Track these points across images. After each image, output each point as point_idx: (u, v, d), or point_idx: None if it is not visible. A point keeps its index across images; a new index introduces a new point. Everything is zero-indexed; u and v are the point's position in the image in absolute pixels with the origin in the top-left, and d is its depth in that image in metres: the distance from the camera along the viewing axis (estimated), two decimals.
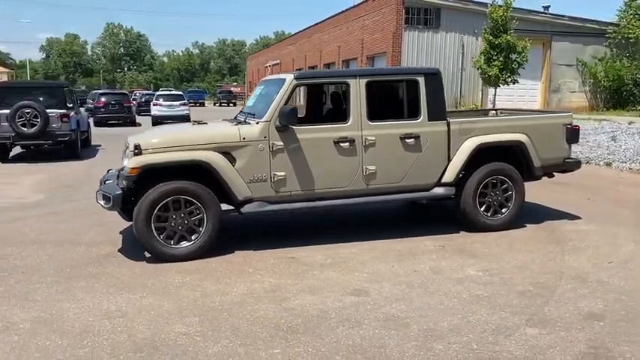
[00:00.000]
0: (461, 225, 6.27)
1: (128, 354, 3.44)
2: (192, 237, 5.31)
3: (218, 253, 5.41)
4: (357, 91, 5.72)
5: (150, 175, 5.24)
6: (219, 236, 5.46)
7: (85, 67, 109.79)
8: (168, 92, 29.34)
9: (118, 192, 5.18)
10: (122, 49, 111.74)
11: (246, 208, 5.45)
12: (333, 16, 29.55)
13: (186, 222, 5.28)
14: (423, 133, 5.91)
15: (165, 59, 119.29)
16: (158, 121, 22.84)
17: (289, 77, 5.66)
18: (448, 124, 6.02)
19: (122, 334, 3.72)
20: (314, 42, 32.51)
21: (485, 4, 20.50)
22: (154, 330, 3.78)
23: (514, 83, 18.65)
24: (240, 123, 5.78)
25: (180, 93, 28.60)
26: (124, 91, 29.05)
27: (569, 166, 6.59)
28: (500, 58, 18.04)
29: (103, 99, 25.37)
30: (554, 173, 6.78)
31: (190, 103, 47.77)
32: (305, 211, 5.89)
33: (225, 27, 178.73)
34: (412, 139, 5.87)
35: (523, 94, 23.39)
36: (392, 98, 6.27)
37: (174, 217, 5.24)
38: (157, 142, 5.38)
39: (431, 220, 6.98)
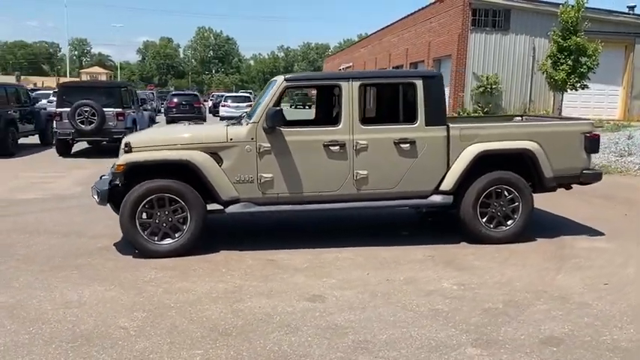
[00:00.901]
0: (463, 236, 5.98)
1: (61, 343, 3.57)
2: (176, 234, 5.43)
3: (203, 252, 5.50)
4: (350, 94, 5.61)
5: (138, 172, 5.42)
6: (211, 235, 5.55)
7: (176, 69, 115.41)
8: (236, 94, 30.24)
9: (105, 188, 5.40)
10: (212, 52, 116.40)
11: (231, 209, 5.50)
12: (402, 19, 29.17)
13: (170, 219, 5.41)
14: (420, 139, 5.70)
15: (252, 62, 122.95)
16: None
17: (280, 79, 5.66)
18: (448, 130, 5.77)
19: (68, 324, 3.87)
20: (384, 44, 32.26)
21: (558, 5, 19.46)
22: (99, 322, 3.90)
23: (583, 89, 17.55)
24: (233, 124, 5.84)
25: (247, 95, 29.38)
26: (195, 93, 30.21)
27: (587, 177, 6.10)
28: (569, 62, 17.03)
29: (175, 99, 26.59)
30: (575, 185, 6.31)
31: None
32: (297, 214, 5.84)
33: (310, 30, 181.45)
34: (407, 145, 5.68)
35: (601, 100, 22.03)
36: (388, 102, 6.11)
37: (158, 214, 5.39)
38: (145, 140, 5.55)
39: (437, 229, 6.70)
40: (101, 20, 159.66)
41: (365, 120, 5.78)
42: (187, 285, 4.66)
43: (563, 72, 17.06)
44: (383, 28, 32.98)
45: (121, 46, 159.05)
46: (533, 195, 6.07)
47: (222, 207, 5.60)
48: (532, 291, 4.55)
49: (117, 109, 13.49)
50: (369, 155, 5.63)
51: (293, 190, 5.61)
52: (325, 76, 5.95)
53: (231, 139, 5.49)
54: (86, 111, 13.10)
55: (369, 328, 3.82)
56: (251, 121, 5.55)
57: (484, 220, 5.87)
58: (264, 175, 5.52)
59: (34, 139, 16.29)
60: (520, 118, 7.56)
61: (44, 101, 21.81)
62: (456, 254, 5.55)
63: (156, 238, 5.41)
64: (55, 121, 13.58)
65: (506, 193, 5.89)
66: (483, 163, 5.82)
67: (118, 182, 5.49)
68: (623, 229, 6.64)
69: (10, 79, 62.36)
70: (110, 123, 13.35)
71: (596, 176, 6.14)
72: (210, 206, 5.62)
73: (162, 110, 29.45)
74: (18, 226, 6.63)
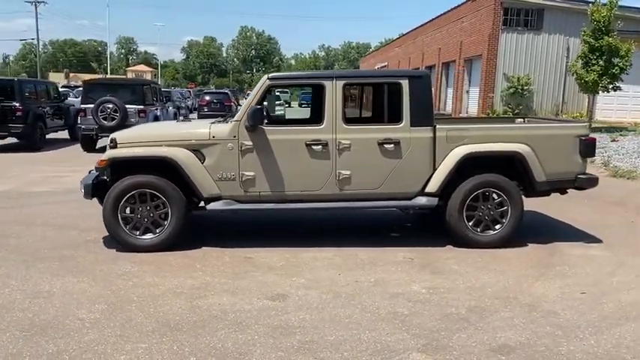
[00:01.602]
0: (450, 239, 5.86)
1: (15, 332, 3.67)
2: (157, 230, 5.52)
3: (185, 247, 5.57)
4: (333, 93, 5.57)
5: (124, 168, 5.53)
6: (197, 231, 5.61)
7: (219, 67, 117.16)
8: None
9: (89, 182, 5.52)
10: (253, 52, 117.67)
11: (212, 206, 5.55)
12: (435, 18, 28.79)
13: (151, 215, 5.49)
14: (404, 139, 5.62)
15: (293, 62, 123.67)
16: None
17: (264, 78, 5.67)
18: (434, 131, 5.66)
19: (29, 313, 3.98)
20: (418, 44, 31.91)
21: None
22: (59, 313, 4.00)
23: (615, 90, 16.91)
24: (218, 122, 5.89)
25: (277, 95, 29.48)
26: (226, 91, 30.59)
27: (582, 182, 5.87)
28: (600, 63, 16.45)
29: (206, 97, 27.04)
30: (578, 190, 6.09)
31: (303, 103, 49.44)
32: (282, 213, 5.83)
33: (351, 30, 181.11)
34: (391, 145, 5.60)
35: (638, 102, 21.18)
36: (373, 102, 6.04)
37: (140, 209, 5.48)
38: (131, 137, 5.66)
39: (426, 231, 6.57)
40: (147, 20, 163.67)
41: (349, 120, 5.73)
42: (157, 280, 4.72)
43: (595, 73, 16.48)
44: (416, 28, 32.63)
45: (166, 45, 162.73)
46: (526, 199, 5.92)
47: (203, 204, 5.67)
48: (502, 297, 4.42)
49: (139, 106, 13.81)
50: (352, 155, 5.59)
51: (275, 189, 5.61)
52: (309, 75, 5.91)
53: (213, 137, 5.53)
54: (109, 107, 13.46)
55: (319, 328, 3.79)
56: (234, 120, 5.59)
57: (470, 223, 5.74)
58: (246, 173, 5.54)
59: (64, 134, 16.85)
60: (522, 120, 7.35)
61: (72, 97, 22.43)
62: (437, 258, 5.45)
63: (137, 233, 5.50)
64: (79, 117, 14.00)
65: (494, 196, 5.75)
66: (473, 165, 5.70)
67: (105, 177, 5.62)
68: (623, 236, 6.39)
69: (60, 77, 65.03)
70: (132, 119, 13.64)
71: (592, 181, 5.91)
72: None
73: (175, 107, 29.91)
74: (19, 218, 6.87)
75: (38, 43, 58.91)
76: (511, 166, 5.79)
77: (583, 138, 5.82)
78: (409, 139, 5.62)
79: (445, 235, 5.91)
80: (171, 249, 5.50)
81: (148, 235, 5.51)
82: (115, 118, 13.46)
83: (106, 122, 13.45)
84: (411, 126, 5.63)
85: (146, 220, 5.49)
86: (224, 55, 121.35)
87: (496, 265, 5.24)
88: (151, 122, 13.90)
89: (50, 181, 9.62)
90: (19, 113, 13.54)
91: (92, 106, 13.48)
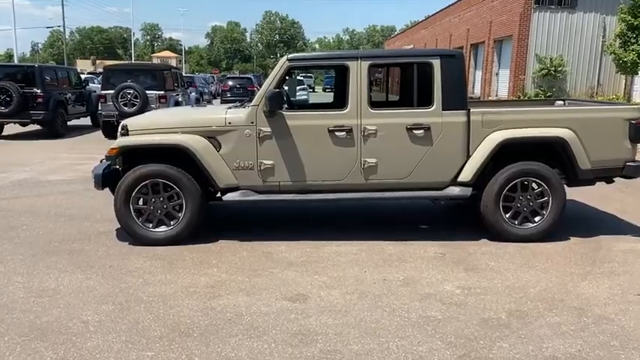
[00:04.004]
0: (484, 232, 5.43)
1: (14, 337, 3.39)
2: (172, 222, 5.20)
3: (201, 240, 5.26)
4: (358, 74, 5.15)
5: (136, 156, 5.23)
6: (214, 222, 5.30)
7: (243, 53, 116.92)
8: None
9: (99, 172, 5.22)
10: (277, 36, 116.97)
11: (228, 197, 5.21)
12: None
13: (165, 206, 5.18)
14: (435, 124, 5.17)
15: (317, 46, 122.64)
16: None
17: (283, 59, 5.28)
18: (468, 115, 5.21)
19: (31, 315, 3.70)
20: (445, 25, 31.02)
21: None
22: (63, 314, 3.71)
23: None
24: (235, 107, 5.53)
25: (300, 79, 29.02)
26: (249, 76, 30.23)
27: (631, 171, 5.36)
28: None
29: (229, 83, 26.80)
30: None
31: (327, 88, 48.94)
32: (302, 204, 5.44)
33: (376, 12, 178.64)
34: (421, 131, 5.17)
35: None
36: (400, 84, 5.59)
37: (153, 200, 5.17)
38: (143, 124, 5.33)
39: (457, 223, 6.13)
40: (172, 6, 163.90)
41: (375, 104, 5.30)
42: (169, 277, 4.41)
43: (634, 53, 15.61)
44: (444, 8, 31.68)
45: (191, 31, 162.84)
46: (568, 188, 5.44)
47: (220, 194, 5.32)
48: (546, 300, 3.99)
49: (159, 92, 13.54)
50: (379, 142, 5.17)
51: (296, 179, 5.24)
52: (332, 55, 5.50)
53: (229, 123, 5.17)
54: (129, 93, 13.21)
55: (343, 335, 3.43)
56: (251, 105, 5.22)
57: (507, 215, 5.29)
58: (265, 161, 5.18)
59: (87, 121, 16.73)
60: (562, 102, 6.81)
61: (97, 84, 22.31)
62: (471, 253, 5.02)
63: (151, 225, 5.20)
64: (100, 103, 13.81)
65: (534, 186, 5.28)
66: (510, 152, 5.24)
67: (117, 166, 5.34)
68: None
69: (87, 64, 65.46)
70: (152, 105, 13.37)
71: None
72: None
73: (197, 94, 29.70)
74: (33, 208, 6.64)
75: (64, 30, 59.24)
76: (552, 152, 5.31)
77: (634, 122, 5.29)
78: (441, 124, 5.18)
79: (479, 227, 5.48)
80: (185, 242, 5.19)
81: (162, 228, 5.21)
82: (136, 104, 13.19)
83: (126, 108, 13.18)
84: (442, 110, 5.18)
85: (159, 212, 5.18)
86: (248, 40, 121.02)
87: (537, 261, 4.80)
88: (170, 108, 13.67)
89: (68, 169, 9.41)
90: (40, 100, 13.39)
91: (112, 92, 13.24)
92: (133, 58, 70.68)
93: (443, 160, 5.24)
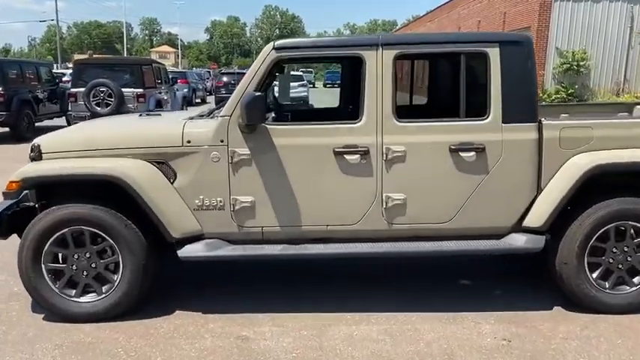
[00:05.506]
0: (565, 298, 3.76)
1: None
2: (104, 289, 3.53)
3: (148, 311, 3.60)
4: (378, 70, 3.48)
5: (49, 190, 3.57)
6: (172, 278, 3.64)
7: (243, 47, 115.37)
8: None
9: (5, 213, 3.53)
10: (277, 31, 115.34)
11: (186, 251, 3.52)
12: None
13: (93, 265, 3.51)
14: (492, 144, 3.50)
15: None
16: None
17: (267, 47, 3.59)
18: (540, 129, 3.53)
19: None
20: (453, 18, 29.24)
21: None
22: None
23: None
24: (199, 117, 3.86)
25: (299, 74, 27.23)
26: (245, 72, 28.40)
27: None
28: None
29: (224, 79, 25.04)
30: None
31: (328, 84, 47.25)
32: (286, 259, 3.74)
33: (377, 6, 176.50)
34: (472, 153, 3.50)
35: None
36: (441, 84, 3.91)
37: (75, 257, 3.50)
38: (61, 143, 3.64)
39: (518, 271, 4.45)
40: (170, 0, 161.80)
41: (402, 112, 3.61)
42: None
43: None
44: (451, 0, 29.93)
45: (190, 25, 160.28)
46: None
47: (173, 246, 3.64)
48: None
49: (137, 90, 11.87)
50: (409, 169, 3.51)
51: (286, 223, 3.57)
52: (339, 42, 3.77)
53: (188, 142, 3.50)
54: (102, 91, 11.53)
55: None
56: (220, 115, 3.54)
57: (595, 275, 3.62)
58: (241, 198, 3.51)
59: (63, 122, 15.03)
60: None
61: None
62: (547, 336, 3.35)
63: (73, 293, 3.53)
64: (70, 103, 12.13)
65: (632, 232, 3.61)
66: (596, 183, 3.57)
67: (30, 203, 3.68)
68: None
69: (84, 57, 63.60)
70: (130, 105, 11.74)
71: None
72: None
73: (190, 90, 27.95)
74: None
75: (57, 23, 57.40)
76: None
77: None
78: (500, 142, 3.51)
79: (545, 280, 3.82)
80: (126, 317, 3.52)
81: (90, 297, 3.54)
82: (110, 104, 11.54)
83: (99, 108, 11.51)
84: (503, 122, 3.51)
85: (86, 273, 3.51)
86: (248, 34, 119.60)
87: None
88: (151, 108, 12.03)
89: None
90: (0, 99, 11.69)
91: (83, 89, 11.56)
92: (126, 53, 68.83)
93: (502, 196, 3.56)
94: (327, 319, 3.57)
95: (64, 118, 14.82)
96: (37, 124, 13.22)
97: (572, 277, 3.60)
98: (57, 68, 32.57)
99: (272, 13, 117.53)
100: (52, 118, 14.28)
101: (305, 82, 24.86)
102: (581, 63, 18.72)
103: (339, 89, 5.63)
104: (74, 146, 3.57)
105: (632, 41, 17.82)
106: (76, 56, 78.60)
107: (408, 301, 3.81)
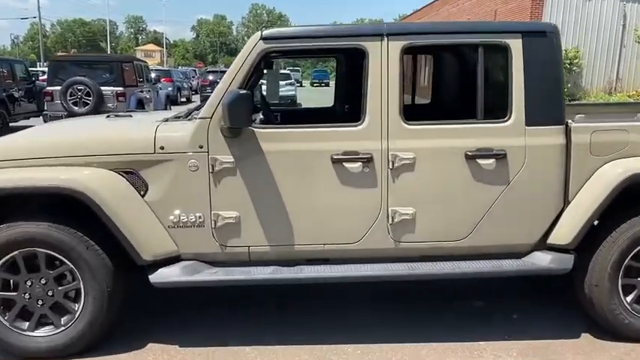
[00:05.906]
0: (594, 324, 3.31)
1: None
2: (63, 320, 3.01)
3: (117, 345, 3.08)
4: (383, 64, 3.01)
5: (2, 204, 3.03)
6: (144, 303, 3.13)
7: (229, 46, 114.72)
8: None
9: None
10: (264, 29, 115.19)
11: (159, 276, 3.02)
12: None
13: (50, 293, 2.98)
14: (514, 149, 3.04)
15: None
16: None
17: (254, 37, 3.10)
18: (567, 132, 3.08)
19: None
20: (442, 15, 28.89)
21: None
22: None
23: None
24: (175, 120, 3.36)
25: (287, 72, 26.68)
26: None
27: None
28: None
29: (209, 77, 24.58)
30: None
31: (315, 82, 46.85)
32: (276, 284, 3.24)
33: (364, 5, 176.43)
34: (491, 160, 3.03)
35: None
36: (454, 80, 3.44)
37: (28, 283, 2.97)
38: (13, 149, 3.11)
39: (536, 290, 3.99)
40: None
41: (411, 113, 3.13)
42: None
43: None
44: None
45: (177, 23, 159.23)
46: None
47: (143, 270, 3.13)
48: None
49: (117, 88, 11.31)
50: (419, 179, 3.03)
51: (276, 241, 3.08)
52: (338, 31, 3.27)
53: (162, 148, 2.99)
54: (80, 90, 10.97)
55: None
56: (199, 117, 3.04)
57: (629, 298, 3.18)
58: (224, 213, 3.01)
59: (40, 121, 14.42)
60: None
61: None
62: None
63: (26, 326, 3.00)
64: (45, 102, 11.54)
65: None
66: (631, 194, 3.12)
67: None
68: None
69: None
70: (109, 104, 11.19)
71: None
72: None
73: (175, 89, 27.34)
74: None
75: (40, 20, 56.25)
76: None
77: None
78: (523, 148, 3.05)
79: (569, 301, 3.38)
80: (89, 353, 3.01)
81: (46, 330, 3.02)
82: (88, 103, 10.98)
83: (76, 108, 10.95)
84: (526, 125, 3.05)
85: (41, 302, 2.99)
86: (234, 33, 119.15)
87: None
88: (132, 107, 11.47)
89: None
90: None
91: (60, 88, 10.98)
92: (111, 51, 67.89)
93: (525, 209, 3.11)
94: (324, 351, 3.09)
95: (40, 117, 14.24)
96: (11, 124, 12.62)
97: (604, 301, 3.15)
98: (40, 67, 31.77)
99: (259, 11, 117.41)
100: (28, 118, 13.66)
101: (292, 80, 24.31)
102: (574, 61, 18.44)
103: (327, 88, 5.16)
104: (29, 153, 3.04)
105: (625, 39, 17.56)
106: (59, 54, 77.44)
107: (415, 329, 3.34)
